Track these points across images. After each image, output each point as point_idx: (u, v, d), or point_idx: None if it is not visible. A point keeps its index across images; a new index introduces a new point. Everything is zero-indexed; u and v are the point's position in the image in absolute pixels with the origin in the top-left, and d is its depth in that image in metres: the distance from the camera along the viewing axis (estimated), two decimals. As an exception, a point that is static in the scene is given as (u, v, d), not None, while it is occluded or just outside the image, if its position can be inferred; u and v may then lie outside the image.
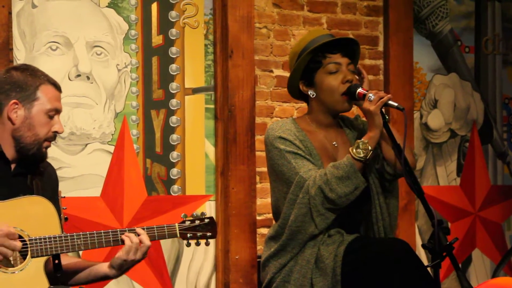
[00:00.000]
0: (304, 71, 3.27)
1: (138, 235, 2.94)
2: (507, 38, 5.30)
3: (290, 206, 3.17)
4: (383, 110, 3.12)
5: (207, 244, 3.08)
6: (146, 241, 2.94)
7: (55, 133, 2.97)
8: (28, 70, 2.97)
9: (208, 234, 3.06)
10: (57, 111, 2.97)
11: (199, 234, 3.05)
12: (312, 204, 3.12)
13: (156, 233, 2.98)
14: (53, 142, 2.99)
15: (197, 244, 3.06)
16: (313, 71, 3.26)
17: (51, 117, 2.95)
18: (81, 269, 3.02)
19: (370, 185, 3.23)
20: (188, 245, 3.05)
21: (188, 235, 3.04)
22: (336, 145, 3.31)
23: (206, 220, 3.06)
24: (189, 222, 3.04)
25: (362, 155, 3.11)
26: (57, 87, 3.00)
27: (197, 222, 3.05)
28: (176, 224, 3.02)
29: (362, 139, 3.13)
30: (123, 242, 2.93)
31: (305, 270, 3.14)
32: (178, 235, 3.02)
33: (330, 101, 3.25)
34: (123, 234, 2.94)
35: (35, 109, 2.92)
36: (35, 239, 2.81)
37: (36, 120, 2.92)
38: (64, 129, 3.01)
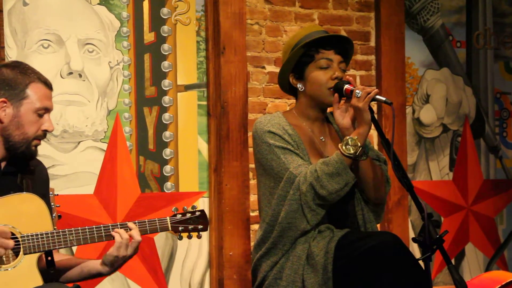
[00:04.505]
0: (296, 64, 3.28)
1: (130, 229, 2.94)
2: (498, 33, 5.30)
3: (280, 202, 3.18)
4: (371, 105, 3.13)
5: (198, 237, 3.08)
6: (137, 236, 2.94)
7: (45, 132, 2.94)
8: (19, 67, 2.95)
9: (200, 227, 3.06)
10: (47, 109, 2.94)
11: (190, 227, 3.05)
12: (303, 201, 3.12)
13: (147, 227, 2.98)
14: (45, 140, 2.98)
15: (189, 237, 3.06)
16: (305, 64, 3.27)
17: (40, 116, 2.92)
18: (73, 266, 3.02)
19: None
20: (180, 238, 3.06)
21: (180, 228, 3.04)
22: (323, 140, 3.32)
23: (197, 213, 3.06)
24: (180, 215, 3.04)
25: (352, 151, 3.11)
26: (48, 86, 2.97)
27: (188, 215, 3.06)
28: (168, 218, 3.02)
29: (351, 136, 3.13)
30: (113, 237, 2.93)
31: (297, 266, 3.14)
32: (170, 228, 3.02)
33: (317, 94, 3.26)
34: (115, 229, 2.95)
35: (23, 107, 2.90)
36: (27, 236, 2.80)
37: (24, 118, 2.90)
38: (54, 127, 2.99)
